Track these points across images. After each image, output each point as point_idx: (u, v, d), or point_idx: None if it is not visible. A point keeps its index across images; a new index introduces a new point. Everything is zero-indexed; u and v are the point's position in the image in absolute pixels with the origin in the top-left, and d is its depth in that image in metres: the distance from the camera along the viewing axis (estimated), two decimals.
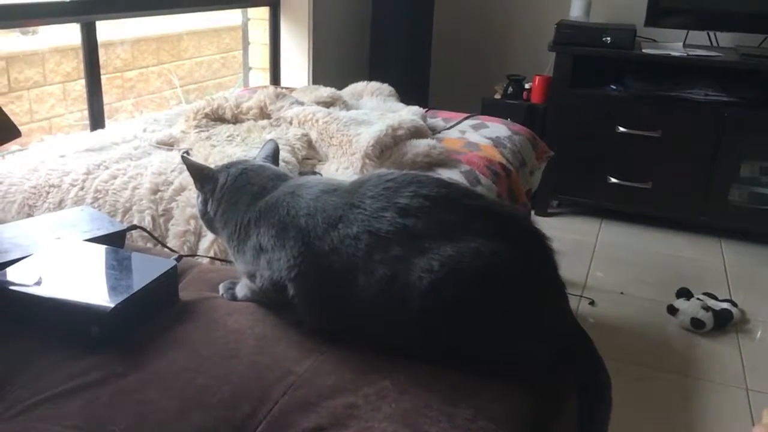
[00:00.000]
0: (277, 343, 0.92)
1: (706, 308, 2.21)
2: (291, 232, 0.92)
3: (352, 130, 1.73)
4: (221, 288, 1.07)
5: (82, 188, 1.51)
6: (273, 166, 1.09)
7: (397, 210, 0.87)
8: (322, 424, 0.77)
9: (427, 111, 2.20)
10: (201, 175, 1.07)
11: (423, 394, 0.82)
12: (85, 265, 1.02)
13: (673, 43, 3.02)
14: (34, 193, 1.53)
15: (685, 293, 2.34)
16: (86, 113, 2.21)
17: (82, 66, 2.17)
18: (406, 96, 2.36)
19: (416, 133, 1.82)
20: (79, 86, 2.67)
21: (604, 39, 2.87)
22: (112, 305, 0.90)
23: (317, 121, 1.79)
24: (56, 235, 1.12)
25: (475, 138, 2.01)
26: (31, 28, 2.49)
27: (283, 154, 1.60)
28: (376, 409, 0.79)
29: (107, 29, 2.46)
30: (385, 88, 2.33)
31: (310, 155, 1.76)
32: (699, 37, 3.04)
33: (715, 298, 2.31)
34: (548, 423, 0.86)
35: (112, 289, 0.96)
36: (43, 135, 2.64)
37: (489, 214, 0.90)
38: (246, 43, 3.11)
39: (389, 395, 0.81)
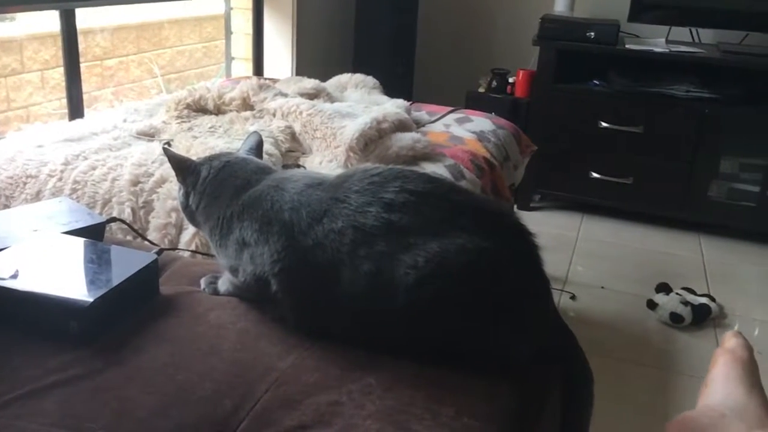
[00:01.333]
0: (259, 338, 0.91)
1: (685, 303, 2.24)
2: (275, 226, 0.91)
3: (336, 122, 1.72)
4: (203, 282, 1.06)
5: (60, 179, 1.48)
6: (257, 159, 1.07)
7: (383, 205, 0.86)
8: (305, 421, 0.77)
9: (411, 104, 2.19)
10: (183, 167, 1.06)
11: (407, 391, 0.81)
12: (64, 258, 1.00)
13: (656, 39, 3.04)
14: (11, 184, 1.50)
15: (664, 288, 2.36)
16: (65, 102, 2.18)
17: (60, 54, 2.13)
18: (390, 88, 2.35)
19: (401, 126, 1.81)
20: (58, 74, 2.63)
21: (587, 34, 2.87)
22: (90, 299, 0.88)
23: (301, 113, 1.78)
24: (33, 227, 1.10)
25: (460, 132, 2.01)
26: (8, 15, 2.44)
27: (267, 147, 1.59)
28: (360, 406, 0.79)
29: (87, 16, 2.42)
30: (370, 80, 2.31)
31: (294, 148, 1.75)
32: (681, 33, 3.06)
33: (693, 293, 2.34)
34: (532, 419, 0.86)
35: (91, 283, 0.94)
36: (21, 124, 2.59)
37: (475, 210, 0.90)
38: (228, 32, 3.08)
39: (373, 392, 0.81)
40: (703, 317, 2.23)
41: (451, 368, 0.85)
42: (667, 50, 2.84)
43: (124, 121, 1.82)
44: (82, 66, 2.20)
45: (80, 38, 2.15)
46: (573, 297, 2.36)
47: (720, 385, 0.64)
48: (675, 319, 2.21)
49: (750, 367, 0.65)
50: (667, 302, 2.25)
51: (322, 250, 0.87)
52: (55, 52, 2.62)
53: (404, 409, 0.78)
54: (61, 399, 0.78)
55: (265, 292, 0.93)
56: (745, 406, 0.60)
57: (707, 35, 3.06)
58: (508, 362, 0.88)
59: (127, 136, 1.71)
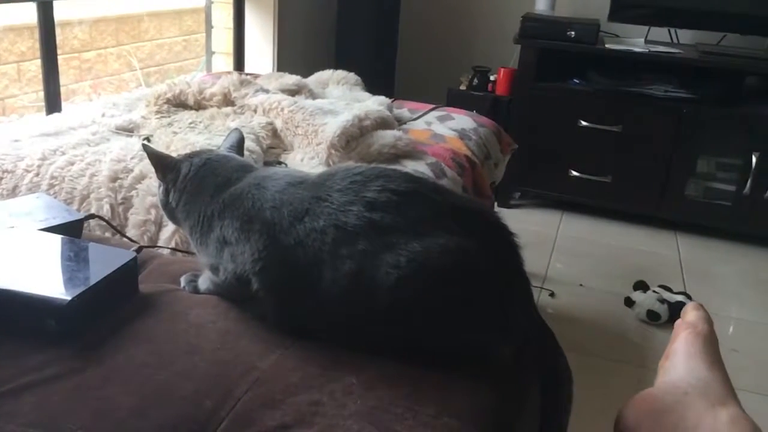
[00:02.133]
0: (240, 337, 0.91)
1: (662, 301, 2.27)
2: (256, 224, 0.91)
3: (318, 119, 1.72)
4: (183, 280, 1.05)
5: (37, 174, 1.46)
6: (238, 157, 1.07)
7: (365, 204, 0.86)
8: (286, 421, 0.76)
9: (393, 101, 2.19)
10: (163, 164, 1.05)
11: (388, 390, 0.81)
12: (41, 255, 0.99)
13: (635, 39, 3.07)
14: None
15: (641, 286, 2.39)
16: (41, 95, 2.14)
17: (37, 46, 2.10)
18: (372, 85, 2.35)
19: (382, 123, 1.81)
20: (35, 66, 2.59)
21: (568, 33, 2.89)
22: (69, 298, 0.87)
23: (282, 109, 1.77)
24: (10, 223, 1.08)
25: (441, 130, 2.01)
26: None
27: (248, 143, 1.58)
28: (341, 406, 0.79)
29: (65, 8, 2.38)
30: (351, 77, 2.31)
31: (275, 144, 1.74)
32: (660, 33, 3.09)
33: (670, 290, 2.37)
34: (512, 418, 0.86)
35: (69, 280, 0.93)
36: None
37: (457, 209, 0.90)
38: (209, 26, 3.05)
39: (354, 392, 0.81)
40: (680, 315, 2.26)
41: (432, 367, 0.86)
42: (646, 50, 2.87)
43: (103, 115, 1.80)
44: (60, 58, 2.17)
45: (58, 30, 2.12)
46: (552, 294, 2.38)
47: (681, 361, 0.63)
48: (652, 316, 2.24)
49: (711, 342, 0.65)
50: (645, 300, 2.28)
51: (303, 249, 0.87)
52: (32, 44, 2.58)
53: (385, 409, 0.78)
54: (39, 399, 0.77)
55: (245, 291, 0.92)
56: (707, 382, 0.61)
57: (685, 36, 3.10)
58: (488, 361, 0.89)
59: (106, 131, 1.69)
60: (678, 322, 0.68)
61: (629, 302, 2.31)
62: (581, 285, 2.48)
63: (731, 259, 2.81)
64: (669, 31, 3.09)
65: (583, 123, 2.94)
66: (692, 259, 2.76)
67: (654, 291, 2.34)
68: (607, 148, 2.97)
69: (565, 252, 2.75)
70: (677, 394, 0.60)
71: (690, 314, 0.68)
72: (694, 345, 0.64)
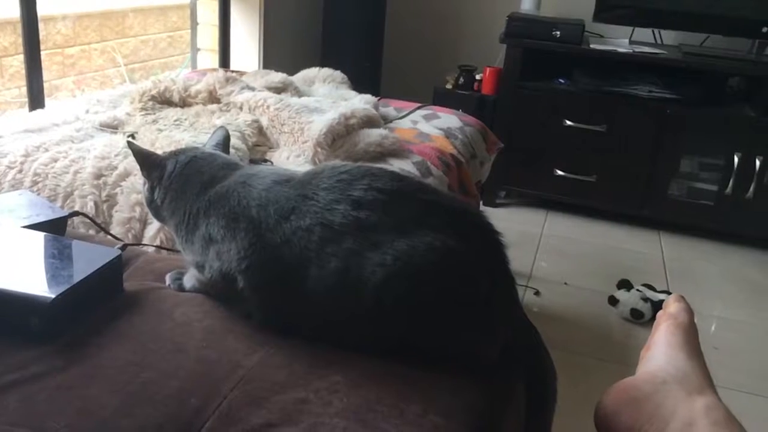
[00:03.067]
0: (225, 336, 0.90)
1: (645, 299, 2.29)
2: (242, 223, 0.90)
3: (304, 117, 1.71)
4: (168, 278, 1.04)
5: (20, 171, 1.45)
6: (223, 155, 1.06)
7: (351, 202, 0.86)
8: (272, 419, 0.76)
9: (379, 100, 2.19)
10: (148, 161, 1.04)
11: (374, 388, 0.81)
12: (24, 253, 0.98)
13: (620, 39, 3.09)
14: None
15: (625, 284, 2.41)
16: (23, 90, 2.12)
17: (20, 40, 2.07)
18: (358, 83, 2.35)
19: (368, 122, 1.81)
20: (17, 62, 2.56)
21: (553, 33, 2.91)
22: (52, 296, 0.86)
23: (268, 107, 1.76)
24: None
25: (427, 128, 2.02)
26: None
27: (233, 141, 1.57)
28: (327, 404, 0.79)
29: (48, 3, 2.36)
30: (338, 75, 2.31)
31: (261, 142, 1.73)
32: (644, 34, 3.11)
33: (653, 289, 2.39)
34: (497, 416, 0.87)
35: (53, 278, 0.92)
36: None
37: (442, 208, 0.90)
38: (194, 23, 3.04)
39: (340, 390, 0.81)
40: None
41: (417, 366, 0.86)
42: (631, 51, 2.90)
43: (87, 112, 1.79)
44: (43, 54, 2.14)
45: (41, 25, 2.09)
46: (537, 293, 2.39)
47: (661, 351, 0.65)
48: (635, 315, 2.26)
49: (691, 333, 0.66)
50: (628, 298, 2.30)
51: (289, 248, 0.87)
52: (14, 39, 2.55)
53: (371, 407, 0.79)
54: (23, 397, 0.76)
55: (231, 289, 0.92)
56: (685, 372, 0.62)
57: (669, 36, 3.13)
58: (474, 360, 0.89)
59: (90, 128, 1.68)
60: (660, 313, 0.69)
61: (613, 301, 2.33)
62: (566, 284, 2.49)
63: (714, 258, 2.84)
64: (653, 31, 3.12)
65: (568, 122, 2.96)
66: (675, 258, 2.79)
67: (637, 290, 2.36)
68: (592, 147, 2.99)
69: (550, 251, 2.77)
70: (656, 383, 0.61)
71: (672, 306, 0.69)
72: (675, 335, 0.65)
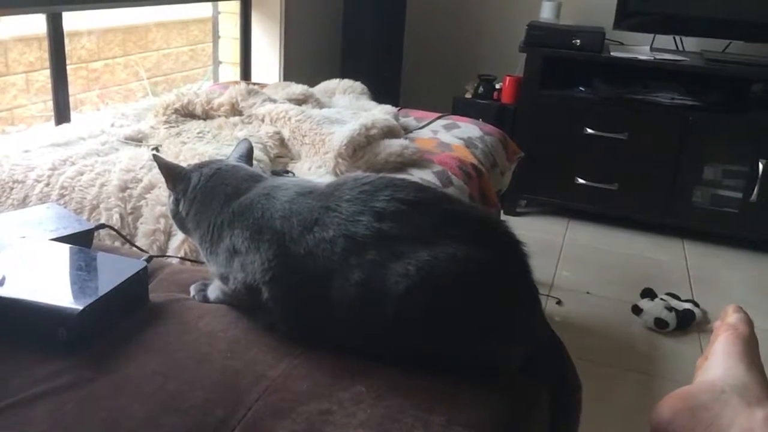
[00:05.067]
0: (250, 346, 0.91)
1: (669, 308, 2.26)
2: (266, 234, 0.91)
3: (325, 128, 1.72)
4: (192, 289, 1.05)
5: (47, 184, 1.47)
6: (247, 167, 1.08)
7: (374, 214, 0.87)
8: (296, 430, 0.77)
9: (399, 110, 2.20)
10: (173, 174, 1.06)
11: (398, 399, 0.81)
12: (52, 265, 1.00)
13: (641, 47, 3.07)
14: None
15: (649, 293, 2.38)
16: (49, 104, 2.16)
17: (45, 56, 2.11)
18: (378, 94, 2.36)
19: (389, 132, 1.82)
20: (43, 77, 2.61)
21: (573, 41, 2.90)
22: (80, 307, 0.88)
23: (290, 119, 1.78)
24: (21, 233, 1.09)
25: (447, 138, 2.02)
26: None
27: (255, 152, 1.58)
28: (351, 414, 0.79)
29: (72, 19, 2.40)
30: (358, 86, 2.32)
31: (282, 153, 1.75)
32: (665, 41, 3.09)
33: (677, 298, 2.36)
34: (521, 427, 0.86)
35: (81, 290, 0.93)
36: (5, 126, 2.56)
37: (465, 218, 0.90)
38: (216, 36, 3.07)
39: (364, 401, 0.81)
40: (688, 323, 2.26)
41: (441, 377, 0.86)
42: (652, 58, 2.88)
43: (112, 125, 1.82)
44: (68, 68, 2.18)
45: (66, 40, 2.13)
46: (559, 302, 2.37)
47: (720, 361, 0.64)
48: (660, 324, 2.23)
49: (751, 343, 0.65)
50: (652, 308, 2.27)
51: (313, 259, 0.88)
52: (40, 54, 2.60)
53: (395, 418, 0.79)
54: (51, 408, 0.78)
55: (255, 300, 0.93)
56: (744, 382, 0.61)
57: (691, 43, 3.10)
58: (498, 370, 0.89)
59: (115, 141, 1.70)
60: (717, 323, 0.68)
61: (637, 310, 2.31)
62: (588, 293, 2.47)
63: (738, 266, 2.80)
64: (674, 38, 3.09)
65: (589, 131, 2.94)
66: (699, 267, 2.76)
67: (661, 299, 2.33)
68: (614, 155, 2.97)
69: (572, 260, 2.75)
70: (714, 392, 0.61)
71: (731, 316, 0.69)
72: (734, 346, 0.65)
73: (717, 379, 0.62)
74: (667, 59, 2.87)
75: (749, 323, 0.68)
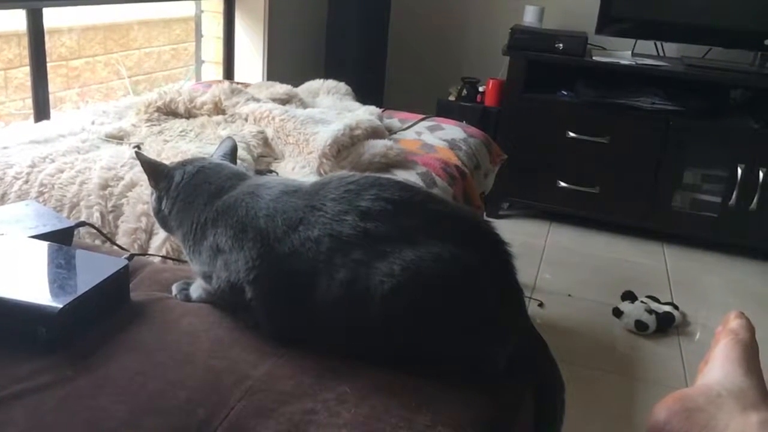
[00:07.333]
0: (233, 346, 0.90)
1: (650, 311, 2.28)
2: (250, 233, 0.90)
3: (309, 128, 1.72)
4: (174, 288, 1.04)
5: (26, 181, 1.45)
6: (231, 165, 1.07)
7: (359, 213, 0.87)
8: (279, 430, 0.76)
9: (383, 111, 2.19)
10: (156, 171, 1.04)
11: (382, 399, 0.81)
12: (31, 263, 0.98)
13: (622, 52, 3.10)
14: None
15: (629, 296, 2.40)
16: (28, 102, 2.13)
17: (25, 53, 2.08)
18: (362, 95, 2.36)
19: (373, 133, 1.81)
20: (21, 74, 2.57)
21: (556, 45, 2.92)
22: (60, 306, 0.86)
23: (273, 118, 1.77)
24: None
25: (431, 140, 2.02)
26: None
27: (239, 152, 1.57)
28: (335, 414, 0.78)
29: (53, 15, 2.37)
30: (342, 86, 2.32)
31: (266, 153, 1.74)
32: (647, 46, 3.12)
33: (657, 301, 2.39)
34: (505, 427, 0.86)
35: (60, 288, 0.92)
36: None
37: (450, 219, 0.90)
38: (199, 35, 3.05)
39: (348, 401, 0.80)
40: (667, 325, 2.28)
41: (426, 377, 0.86)
42: (633, 63, 2.90)
43: (93, 123, 1.79)
44: (48, 66, 2.15)
45: (46, 38, 2.11)
46: (540, 304, 2.38)
47: (719, 365, 0.65)
48: (640, 326, 2.25)
49: (751, 349, 0.66)
50: (633, 310, 2.29)
51: (297, 258, 0.87)
52: (19, 51, 2.56)
53: (379, 418, 0.78)
54: (30, 408, 0.76)
55: (239, 299, 0.92)
56: (741, 387, 0.62)
57: (672, 49, 3.13)
58: (482, 370, 0.89)
59: (96, 139, 1.68)
60: (719, 329, 0.69)
61: (617, 312, 2.32)
62: (569, 295, 2.49)
63: (717, 270, 2.84)
64: (655, 44, 3.13)
65: (571, 134, 2.96)
66: (679, 270, 2.78)
67: (642, 301, 2.35)
68: (595, 159, 2.99)
69: (554, 262, 2.77)
70: (711, 395, 0.61)
71: (732, 322, 0.69)
72: (734, 351, 0.65)
73: (714, 383, 0.63)
74: (648, 64, 2.90)
75: (750, 329, 0.68)
